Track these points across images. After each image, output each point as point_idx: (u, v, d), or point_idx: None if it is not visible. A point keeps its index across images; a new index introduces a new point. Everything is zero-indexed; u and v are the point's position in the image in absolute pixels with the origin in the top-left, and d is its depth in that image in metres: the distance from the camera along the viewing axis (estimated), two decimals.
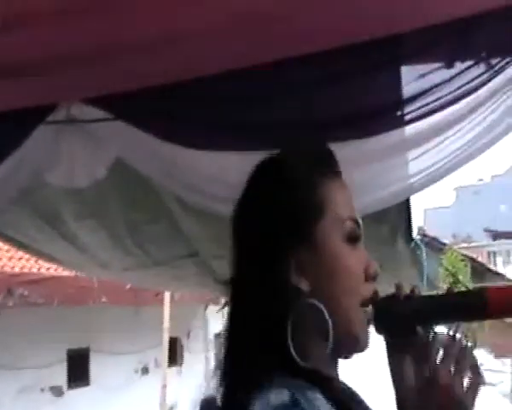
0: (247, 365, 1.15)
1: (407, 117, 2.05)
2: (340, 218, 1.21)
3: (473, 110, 2.03)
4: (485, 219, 34.04)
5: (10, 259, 8.19)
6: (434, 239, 24.09)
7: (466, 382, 1.11)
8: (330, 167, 1.27)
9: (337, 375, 1.23)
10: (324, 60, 1.98)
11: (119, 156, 2.23)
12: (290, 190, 1.21)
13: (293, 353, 1.12)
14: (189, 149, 2.14)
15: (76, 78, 1.95)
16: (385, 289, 1.19)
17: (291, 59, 1.99)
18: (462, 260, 19.14)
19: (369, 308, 1.18)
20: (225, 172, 2.21)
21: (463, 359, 1.12)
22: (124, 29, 1.74)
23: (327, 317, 1.14)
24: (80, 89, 2.05)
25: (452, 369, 1.11)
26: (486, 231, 32.47)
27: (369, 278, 1.21)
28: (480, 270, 21.26)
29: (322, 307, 1.15)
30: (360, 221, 1.24)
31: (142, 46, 1.82)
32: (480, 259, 23.36)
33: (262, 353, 1.14)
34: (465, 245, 27.75)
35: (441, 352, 1.13)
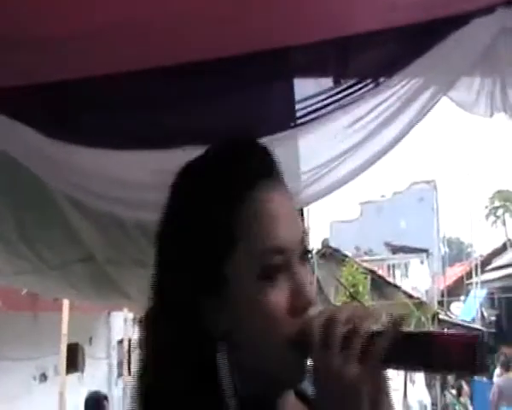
0: None
1: (298, 123, 2.11)
2: (257, 250, 1.00)
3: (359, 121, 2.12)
4: (386, 234, 34.91)
5: None
6: (337, 251, 24.69)
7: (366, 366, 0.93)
8: (262, 173, 1.04)
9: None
10: (220, 68, 2.02)
11: (4, 151, 2.17)
12: (198, 221, 1.02)
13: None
14: (78, 147, 2.12)
15: None
16: None
17: (187, 64, 2.00)
18: (363, 273, 19.69)
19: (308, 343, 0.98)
20: (114, 171, 2.20)
21: (354, 339, 0.94)
22: (11, 24, 1.70)
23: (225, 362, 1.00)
24: None
25: (340, 352, 0.93)
26: (387, 245, 33.36)
27: (295, 312, 1.00)
28: (379, 282, 21.88)
29: (224, 349, 1.01)
30: (291, 244, 1.02)
31: (30, 42, 1.78)
32: (380, 271, 24.02)
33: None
34: (367, 258, 28.39)
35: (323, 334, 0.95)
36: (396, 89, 2.07)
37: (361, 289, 18.79)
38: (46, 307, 9.61)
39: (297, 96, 2.12)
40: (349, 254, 23.38)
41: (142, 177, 2.19)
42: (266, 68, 2.05)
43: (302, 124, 2.13)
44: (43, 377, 11.59)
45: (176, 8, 1.72)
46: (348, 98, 2.09)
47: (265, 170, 1.06)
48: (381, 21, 1.92)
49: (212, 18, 1.78)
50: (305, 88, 2.11)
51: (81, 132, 2.12)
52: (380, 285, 21.59)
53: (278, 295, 1.00)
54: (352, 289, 18.17)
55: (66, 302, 9.99)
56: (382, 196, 46.27)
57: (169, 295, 1.04)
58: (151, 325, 1.07)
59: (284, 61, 2.05)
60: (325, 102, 2.10)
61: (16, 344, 10.00)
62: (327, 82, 2.12)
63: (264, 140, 2.05)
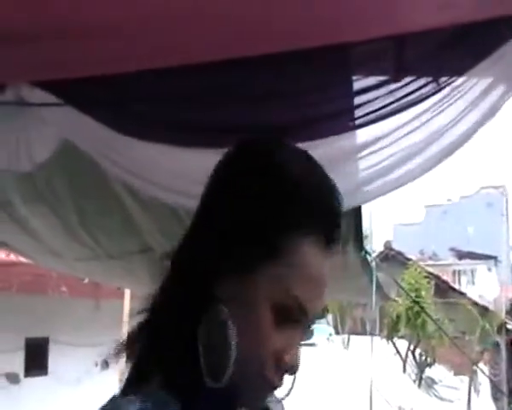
0: (141, 360, 1.06)
1: (357, 122, 2.07)
2: (285, 286, 0.99)
3: (419, 118, 2.06)
4: (451, 239, 34.35)
5: None
6: (399, 254, 24.35)
7: None
8: (325, 225, 1.02)
9: None
10: (278, 62, 1.99)
11: (66, 140, 2.20)
12: (252, 202, 1.00)
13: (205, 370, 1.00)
14: (140, 141, 2.13)
15: (24, 59, 1.92)
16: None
17: (245, 59, 1.99)
18: (426, 277, 19.37)
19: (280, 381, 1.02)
20: (175, 164, 2.21)
21: None
22: (74, 14, 1.72)
23: (230, 338, 0.99)
24: (28, 71, 2.03)
25: None
26: (452, 250, 32.78)
27: (281, 368, 1.01)
28: (443, 288, 21.52)
29: (227, 314, 0.99)
30: (312, 310, 1.01)
31: (92, 34, 1.80)
32: (445, 277, 23.62)
33: (159, 350, 1.03)
34: (431, 262, 27.98)
35: None
36: (461, 88, 2.00)
37: (424, 293, 18.46)
38: (108, 294, 9.78)
39: (355, 94, 2.08)
40: (412, 257, 23.09)
41: (204, 173, 2.19)
42: (324, 64, 2.01)
43: (361, 122, 2.08)
44: (105, 364, 11.78)
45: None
46: (408, 97, 2.04)
47: (333, 227, 1.04)
48: (442, 19, 1.86)
49: (269, 14, 1.76)
50: (364, 86, 2.06)
51: (144, 127, 2.13)
52: (444, 291, 21.21)
53: (279, 339, 1.01)
54: (414, 294, 17.86)
55: (127, 291, 10.16)
56: (449, 200, 45.46)
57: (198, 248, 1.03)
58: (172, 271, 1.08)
59: (342, 58, 2.02)
60: (384, 100, 2.06)
61: (79, 330, 10.21)
62: (386, 80, 2.08)
63: (323, 139, 2.08)
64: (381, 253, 21.82)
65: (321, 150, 2.10)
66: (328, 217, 1.03)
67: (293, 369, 1.03)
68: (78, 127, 2.17)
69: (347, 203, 2.32)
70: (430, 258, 31.12)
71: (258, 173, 1.02)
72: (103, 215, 2.82)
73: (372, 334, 19.30)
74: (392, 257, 21.48)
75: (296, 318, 1.01)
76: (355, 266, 2.94)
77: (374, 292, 3.10)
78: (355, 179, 2.15)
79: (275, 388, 1.04)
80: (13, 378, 10.10)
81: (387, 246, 23.41)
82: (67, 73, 2.00)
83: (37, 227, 2.97)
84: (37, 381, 10.36)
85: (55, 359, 10.63)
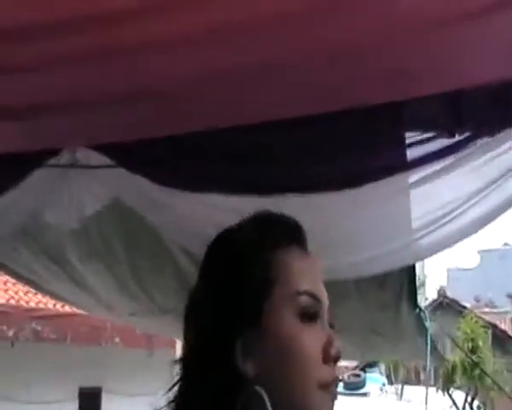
0: None
1: (410, 180, 2.05)
2: (292, 292, 1.10)
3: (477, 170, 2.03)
4: (509, 285, 33.53)
5: (26, 293, 8.24)
6: (454, 301, 23.63)
7: None
8: (289, 237, 1.16)
9: None
10: (332, 119, 2.00)
11: (119, 199, 2.24)
12: (235, 266, 1.12)
13: None
14: (187, 193, 2.16)
15: (80, 125, 1.98)
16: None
17: (298, 118, 2.00)
18: (483, 326, 18.85)
19: (334, 390, 1.08)
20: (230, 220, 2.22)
21: None
22: (125, 82, 1.76)
23: (268, 406, 1.02)
24: (84, 136, 2.08)
25: None
26: (510, 297, 31.96)
27: (328, 359, 1.08)
28: (501, 337, 20.93)
29: (264, 394, 1.03)
30: (322, 297, 1.13)
31: (142, 99, 1.85)
32: (502, 326, 23.02)
33: None
34: (487, 310, 27.32)
35: None
36: None
37: (481, 343, 17.92)
38: (160, 344, 9.81)
39: (409, 150, 2.06)
40: (467, 305, 22.58)
41: None
42: (377, 121, 2.01)
43: (415, 180, 2.07)
44: None
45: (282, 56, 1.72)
46: (464, 152, 2.02)
47: (298, 237, 1.19)
48: (497, 73, 1.84)
49: (325, 74, 1.77)
50: (418, 142, 2.05)
51: (190, 180, 2.15)
52: (502, 341, 20.64)
53: (314, 337, 1.08)
54: (470, 344, 17.39)
55: (179, 341, 10.17)
56: (505, 245, 44.48)
57: (207, 337, 1.09)
58: (188, 370, 1.11)
59: (395, 115, 2.01)
60: (439, 154, 2.04)
61: (132, 380, 10.23)
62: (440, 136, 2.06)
63: (375, 193, 2.06)
64: (435, 300, 21.41)
65: (374, 209, 2.10)
66: (287, 231, 1.17)
67: (338, 357, 1.10)
68: (129, 187, 2.21)
69: (401, 262, 2.31)
70: (486, 305, 30.42)
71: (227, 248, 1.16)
72: (157, 271, 2.85)
73: (427, 384, 18.87)
74: (446, 305, 21.02)
75: (316, 310, 1.11)
76: (408, 325, 2.88)
77: (429, 353, 3.02)
78: (409, 236, 2.13)
79: (334, 388, 1.10)
80: None
81: (441, 293, 22.89)
82: (121, 137, 2.05)
83: (93, 283, 3.01)
84: None
85: (108, 408, 10.65)
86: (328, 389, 1.08)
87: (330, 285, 2.33)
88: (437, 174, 2.05)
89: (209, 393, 1.05)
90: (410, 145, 2.04)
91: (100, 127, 2.02)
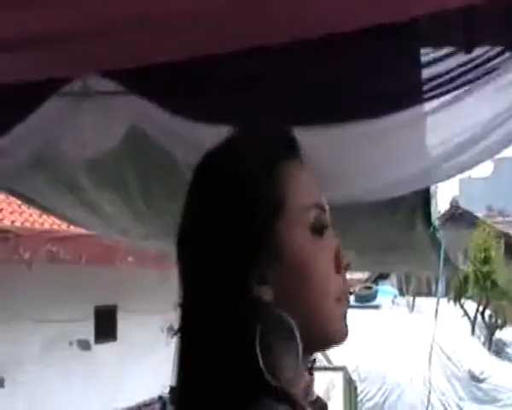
0: (220, 392, 1.02)
1: (426, 95, 2.01)
2: (302, 207, 1.06)
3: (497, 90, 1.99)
4: None
5: (40, 215, 8.29)
6: (467, 212, 23.72)
7: None
8: (287, 150, 1.11)
9: (310, 381, 1.11)
10: (345, 40, 1.95)
11: (133, 127, 2.22)
12: (239, 187, 1.05)
13: (267, 375, 0.99)
14: (202, 123, 2.13)
15: (91, 53, 1.94)
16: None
17: (313, 40, 1.95)
18: (496, 236, 18.88)
19: (346, 300, 1.09)
20: None
21: None
22: (136, 5, 1.72)
23: (295, 330, 1.01)
24: (96, 63, 2.05)
25: None
26: None
27: (340, 268, 1.08)
28: None
29: (288, 318, 1.02)
30: (327, 206, 1.10)
31: (156, 24, 1.81)
32: None
33: (233, 379, 1.00)
34: (500, 219, 27.37)
35: None
36: None
37: (493, 254, 17.98)
38: (173, 264, 9.91)
39: (424, 68, 2.01)
40: (480, 215, 22.62)
41: None
42: (392, 39, 1.96)
43: (430, 95, 2.02)
44: (171, 330, 12.01)
45: None
46: (480, 68, 1.97)
47: (294, 148, 1.14)
48: None
49: None
50: (433, 59, 2.00)
51: (205, 110, 2.12)
52: None
53: (326, 249, 1.07)
54: (483, 255, 17.47)
55: None
56: None
57: (215, 268, 1.04)
58: (196, 309, 1.07)
59: (410, 32, 1.95)
60: (455, 73, 1.99)
61: (145, 299, 10.40)
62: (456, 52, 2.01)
63: (392, 119, 2.03)
64: (448, 211, 21.42)
65: (389, 127, 2.06)
66: (284, 142, 1.11)
67: (349, 265, 1.11)
68: (144, 114, 2.19)
69: (417, 185, 2.28)
70: (499, 214, 30.47)
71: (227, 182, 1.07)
72: (170, 198, 2.83)
73: (438, 297, 19.06)
74: (459, 216, 21.03)
75: (325, 221, 1.09)
76: (422, 241, 2.88)
77: (441, 268, 3.03)
78: (425, 161, 2.10)
79: (346, 298, 1.10)
80: (84, 345, 10.38)
81: (454, 204, 22.85)
82: (133, 63, 2.01)
83: (107, 209, 3.02)
84: (107, 347, 10.64)
85: (123, 326, 10.89)
86: (344, 299, 1.09)
87: (343, 211, 2.34)
88: (453, 101, 2.01)
89: (227, 324, 1.01)
90: (427, 65, 1.99)
91: (108, 55, 1.99)
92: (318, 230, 1.07)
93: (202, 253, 1.06)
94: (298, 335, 1.01)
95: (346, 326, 1.09)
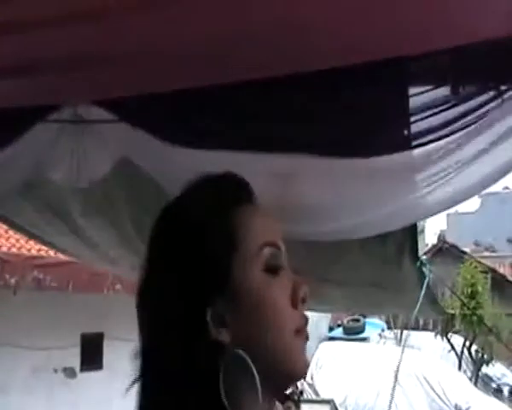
0: None
1: (413, 138, 2.02)
2: (255, 248, 1.10)
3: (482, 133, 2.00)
4: (509, 229, 33.57)
5: (27, 241, 8.26)
6: (454, 247, 23.86)
7: None
8: (239, 196, 1.17)
9: None
10: (332, 77, 1.97)
11: (124, 157, 2.22)
12: (192, 236, 1.10)
13: None
14: (196, 150, 2.14)
15: (82, 80, 1.96)
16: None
17: (300, 75, 1.97)
18: (483, 272, 18.92)
19: (304, 333, 1.12)
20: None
21: None
22: (129, 37, 1.74)
23: (251, 366, 1.04)
24: (85, 91, 2.06)
25: None
26: (510, 241, 32.09)
27: (297, 303, 1.11)
28: (500, 281, 21.03)
29: (244, 355, 1.04)
30: (282, 245, 1.14)
31: (149, 54, 1.83)
32: (501, 270, 23.12)
33: None
34: (487, 254, 27.42)
35: None
36: None
37: (480, 289, 18.02)
38: None
39: (412, 107, 2.03)
40: (467, 250, 22.64)
41: (257, 178, 2.18)
42: (379, 78, 1.98)
43: (418, 135, 2.03)
44: None
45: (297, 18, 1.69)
46: (466, 106, 1.99)
47: (247, 193, 1.21)
48: (503, 29, 1.80)
49: (325, 28, 1.73)
50: (421, 100, 2.01)
51: (200, 136, 2.14)
52: (501, 285, 20.72)
53: (281, 286, 1.11)
54: (469, 289, 17.49)
55: None
56: (505, 188, 44.41)
57: (173, 313, 1.09)
58: (158, 357, 1.11)
59: (398, 71, 1.97)
60: (442, 111, 2.00)
61: (132, 326, 10.30)
62: (444, 91, 2.02)
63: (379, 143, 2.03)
64: (435, 246, 21.45)
65: (377, 165, 2.07)
66: (235, 189, 1.18)
67: (306, 298, 1.13)
68: (133, 143, 2.19)
69: (406, 221, 2.29)
70: (486, 249, 30.55)
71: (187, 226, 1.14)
72: None
73: (426, 329, 19.04)
74: (446, 250, 21.06)
75: (279, 259, 1.13)
76: (409, 278, 2.88)
77: (421, 299, 3.03)
78: (413, 195, 2.11)
79: (304, 331, 1.13)
80: (70, 373, 10.29)
81: (441, 239, 22.94)
82: (124, 92, 2.03)
83: (95, 238, 3.00)
84: (92, 375, 10.55)
85: (109, 353, 10.80)
86: (303, 332, 1.12)
87: (335, 241, 2.33)
88: (439, 129, 2.02)
89: (189, 367, 1.05)
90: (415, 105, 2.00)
91: (100, 83, 2.00)
92: (273, 268, 1.11)
93: (160, 301, 1.12)
94: (254, 371, 1.04)
95: (306, 359, 1.14)
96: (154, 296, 1.14)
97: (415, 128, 1.99)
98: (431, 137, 1.98)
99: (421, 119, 1.99)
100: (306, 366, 1.14)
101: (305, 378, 1.13)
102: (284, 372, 1.10)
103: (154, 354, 1.12)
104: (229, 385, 1.03)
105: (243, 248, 1.10)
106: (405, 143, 1.99)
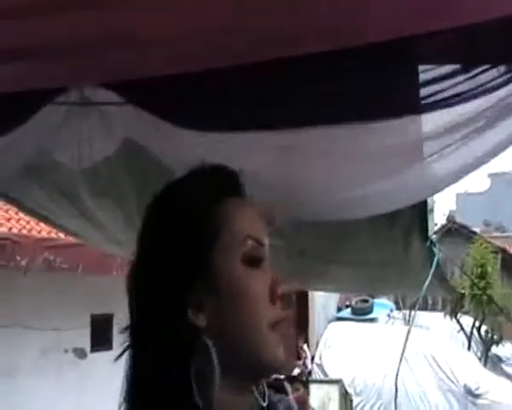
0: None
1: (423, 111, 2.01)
2: (237, 238, 1.15)
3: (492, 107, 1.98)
4: None
5: (38, 223, 8.28)
6: (463, 227, 23.82)
7: None
8: (229, 188, 1.22)
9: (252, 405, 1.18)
10: (341, 58, 1.95)
11: (130, 138, 2.22)
12: (179, 222, 1.16)
13: (198, 400, 1.07)
14: (199, 132, 2.13)
15: (88, 63, 1.95)
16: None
17: (311, 55, 1.95)
18: (492, 252, 18.86)
19: (282, 329, 1.14)
20: (239, 156, 2.20)
21: None
22: (136, 21, 1.72)
23: (214, 358, 1.08)
24: (92, 74, 2.05)
25: None
26: None
27: (275, 299, 1.14)
28: (510, 262, 20.98)
29: (208, 341, 1.09)
30: (265, 240, 1.18)
31: (156, 38, 1.82)
32: (511, 250, 23.03)
33: (166, 401, 1.08)
34: (497, 234, 27.34)
35: None
36: None
37: (489, 269, 17.95)
38: None
39: (422, 86, 2.01)
40: (477, 230, 22.57)
41: (263, 156, 2.18)
42: (389, 56, 1.96)
43: (427, 111, 2.02)
44: None
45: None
46: (478, 87, 1.97)
47: (235, 185, 1.25)
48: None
49: (336, 12, 1.71)
50: (431, 77, 2.00)
51: (206, 118, 2.14)
52: (511, 266, 20.68)
53: (260, 279, 1.14)
54: (479, 270, 17.43)
55: None
56: None
57: (157, 295, 1.14)
58: (140, 333, 1.18)
59: (408, 49, 1.96)
60: (452, 89, 1.99)
61: None
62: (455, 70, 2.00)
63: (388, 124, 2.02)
64: (444, 226, 21.40)
65: (387, 140, 2.06)
66: (224, 181, 1.22)
67: (288, 299, 1.18)
68: (140, 125, 2.19)
69: (414, 195, 2.27)
70: (496, 229, 30.46)
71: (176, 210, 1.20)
72: None
73: (434, 310, 19.00)
74: (455, 230, 20.99)
75: (260, 254, 1.16)
76: (418, 259, 2.87)
77: (430, 276, 3.01)
78: (420, 164, 2.09)
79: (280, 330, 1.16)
80: (80, 353, 10.36)
81: (450, 219, 22.84)
82: (131, 75, 2.02)
83: (102, 219, 3.01)
84: (102, 355, 10.61)
85: (119, 334, 10.86)
86: (277, 328, 1.14)
87: (343, 223, 2.33)
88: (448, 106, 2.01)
89: (166, 347, 1.10)
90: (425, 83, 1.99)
91: (107, 66, 1.99)
92: (253, 261, 1.15)
93: (146, 282, 1.17)
94: (215, 362, 1.08)
95: (282, 353, 1.15)
96: (141, 278, 1.18)
97: (424, 93, 1.98)
98: (440, 103, 1.96)
99: (431, 94, 1.97)
100: (282, 359, 1.15)
101: (280, 373, 1.15)
102: (257, 363, 1.13)
103: (138, 331, 1.18)
104: (198, 369, 1.08)
105: (226, 237, 1.14)
106: (415, 107, 1.98)
